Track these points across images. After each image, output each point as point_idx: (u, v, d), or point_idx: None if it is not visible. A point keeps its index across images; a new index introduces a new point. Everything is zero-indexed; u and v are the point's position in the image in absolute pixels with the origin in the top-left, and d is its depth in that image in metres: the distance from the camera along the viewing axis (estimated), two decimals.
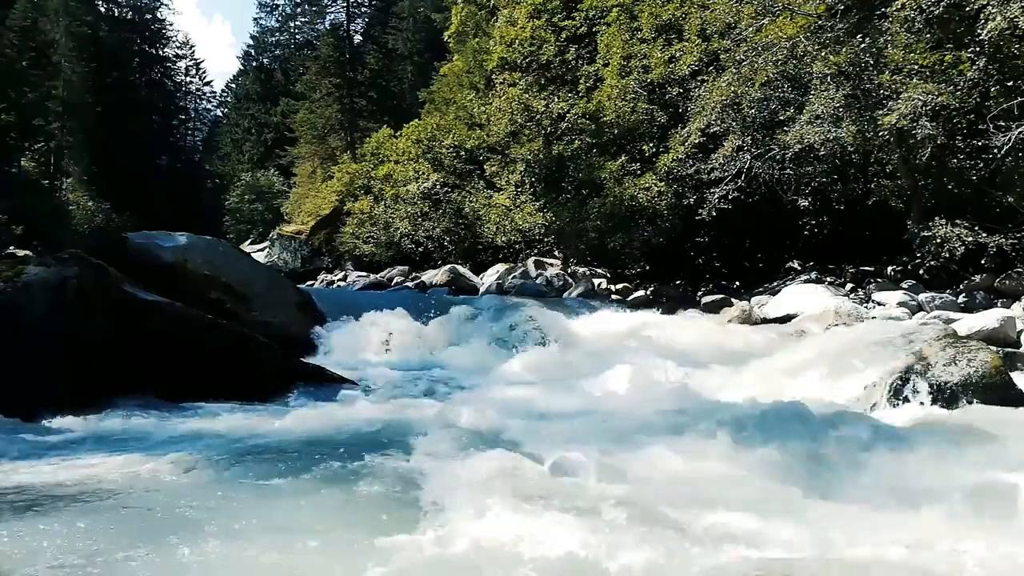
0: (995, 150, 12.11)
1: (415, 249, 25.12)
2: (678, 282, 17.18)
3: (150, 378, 7.10)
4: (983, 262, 13.12)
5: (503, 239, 20.60)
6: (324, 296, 15.00)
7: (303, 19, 56.24)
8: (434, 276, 21.34)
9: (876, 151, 14.66)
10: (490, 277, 20.20)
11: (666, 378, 8.70)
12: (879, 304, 12.55)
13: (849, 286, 14.26)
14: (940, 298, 12.32)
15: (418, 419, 6.51)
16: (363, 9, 50.12)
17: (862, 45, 13.25)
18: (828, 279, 14.72)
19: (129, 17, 50.16)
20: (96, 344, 7.00)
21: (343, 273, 28.76)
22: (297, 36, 56.83)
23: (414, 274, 23.83)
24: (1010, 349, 9.45)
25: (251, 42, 58.36)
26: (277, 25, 57.35)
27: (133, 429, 6.01)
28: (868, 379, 7.24)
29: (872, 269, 14.85)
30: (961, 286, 12.97)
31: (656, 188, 17.42)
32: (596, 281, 18.29)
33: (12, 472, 4.77)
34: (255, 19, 79.06)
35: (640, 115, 18.73)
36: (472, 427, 6.20)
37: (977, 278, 13.06)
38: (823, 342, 8.91)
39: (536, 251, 20.85)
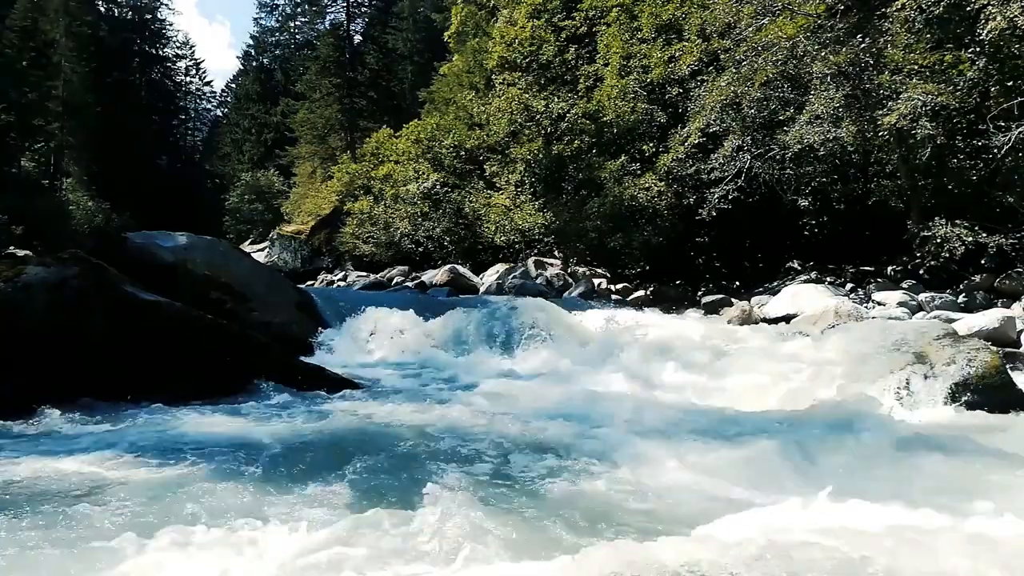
0: (995, 150, 12.12)
1: (415, 249, 25.13)
2: (678, 282, 17.18)
3: (150, 378, 7.09)
4: (983, 262, 13.12)
5: (503, 239, 20.61)
6: (324, 296, 14.99)
7: (303, 19, 56.23)
8: (434, 276, 21.34)
9: (876, 151, 14.66)
10: (490, 277, 20.20)
11: (665, 379, 8.70)
12: (879, 304, 12.54)
13: (849, 286, 14.25)
14: (940, 298, 12.32)
15: (419, 420, 6.50)
16: (363, 9, 50.18)
17: (862, 45, 13.25)
18: (828, 279, 14.72)
19: (129, 17, 50.22)
20: (95, 344, 7.00)
21: (343, 273, 28.76)
22: (297, 36, 56.83)
23: (414, 274, 23.84)
24: (1010, 349, 9.45)
25: (251, 42, 58.40)
26: (277, 25, 57.38)
27: (131, 429, 6.00)
28: (868, 379, 7.24)
29: (872, 269, 14.85)
30: (961, 286, 12.97)
31: (656, 188, 17.42)
32: (596, 281, 18.29)
33: (7, 472, 4.76)
34: (255, 19, 78.90)
35: (640, 115, 18.74)
36: (472, 428, 6.19)
37: (977, 278, 13.05)
38: (823, 342, 8.91)
39: (536, 251, 20.86)
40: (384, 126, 31.86)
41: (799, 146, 14.33)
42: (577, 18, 22.84)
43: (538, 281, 18.13)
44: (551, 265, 19.71)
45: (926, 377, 6.96)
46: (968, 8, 12.09)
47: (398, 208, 25.66)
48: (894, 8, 12.98)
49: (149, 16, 51.12)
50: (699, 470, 4.88)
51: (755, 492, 4.45)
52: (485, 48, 25.39)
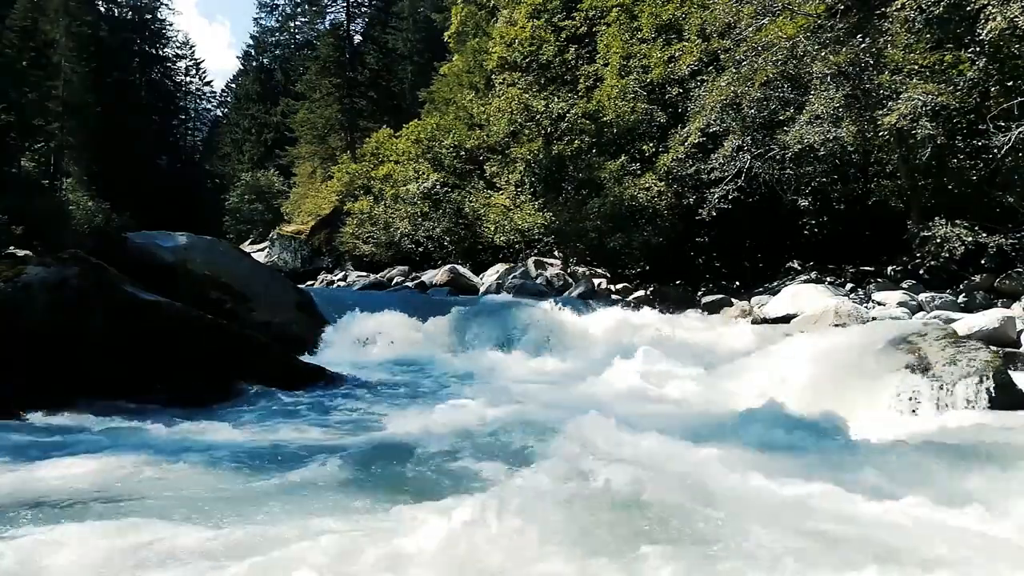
0: (995, 150, 12.12)
1: (415, 249, 25.13)
2: (678, 282, 17.18)
3: (149, 378, 7.10)
4: (983, 262, 13.12)
5: (503, 239, 20.61)
6: (324, 296, 15.00)
7: (303, 19, 56.19)
8: (434, 276, 21.34)
9: (876, 151, 14.67)
10: (490, 277, 20.21)
11: (665, 379, 8.70)
12: (879, 304, 12.54)
13: (849, 286, 14.25)
14: (940, 298, 12.32)
15: (418, 419, 6.50)
16: (363, 9, 50.15)
17: (862, 45, 13.25)
18: (828, 279, 14.72)
19: (129, 17, 50.20)
20: (95, 344, 7.00)
21: (343, 273, 28.76)
22: (297, 36, 56.79)
23: (414, 274, 23.84)
24: (1010, 349, 9.45)
25: (251, 42, 58.34)
26: (277, 25, 57.34)
27: (131, 429, 6.00)
28: (867, 379, 7.24)
29: (872, 269, 14.85)
30: (961, 286, 12.97)
31: (656, 188, 17.43)
32: (596, 281, 18.28)
33: (7, 472, 4.76)
34: (255, 19, 78.83)
35: (640, 115, 18.75)
36: (472, 427, 6.19)
37: (977, 278, 13.05)
38: (822, 342, 8.91)
39: (536, 251, 20.86)
40: (384, 126, 31.86)
41: (799, 146, 14.33)
42: (577, 18, 22.85)
43: (538, 281, 18.13)
44: (551, 265, 19.71)
45: (926, 377, 6.95)
46: (968, 8, 12.09)
47: (398, 208, 25.66)
48: (894, 8, 12.98)
49: (149, 16, 51.11)
50: (698, 470, 4.86)
51: (753, 493, 4.42)
52: (485, 48, 25.39)
